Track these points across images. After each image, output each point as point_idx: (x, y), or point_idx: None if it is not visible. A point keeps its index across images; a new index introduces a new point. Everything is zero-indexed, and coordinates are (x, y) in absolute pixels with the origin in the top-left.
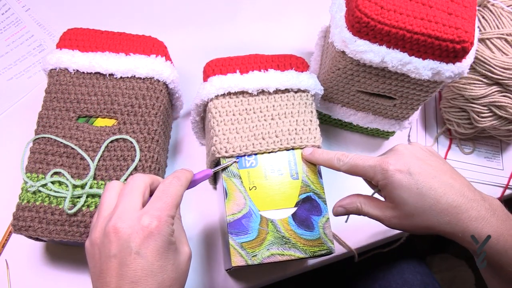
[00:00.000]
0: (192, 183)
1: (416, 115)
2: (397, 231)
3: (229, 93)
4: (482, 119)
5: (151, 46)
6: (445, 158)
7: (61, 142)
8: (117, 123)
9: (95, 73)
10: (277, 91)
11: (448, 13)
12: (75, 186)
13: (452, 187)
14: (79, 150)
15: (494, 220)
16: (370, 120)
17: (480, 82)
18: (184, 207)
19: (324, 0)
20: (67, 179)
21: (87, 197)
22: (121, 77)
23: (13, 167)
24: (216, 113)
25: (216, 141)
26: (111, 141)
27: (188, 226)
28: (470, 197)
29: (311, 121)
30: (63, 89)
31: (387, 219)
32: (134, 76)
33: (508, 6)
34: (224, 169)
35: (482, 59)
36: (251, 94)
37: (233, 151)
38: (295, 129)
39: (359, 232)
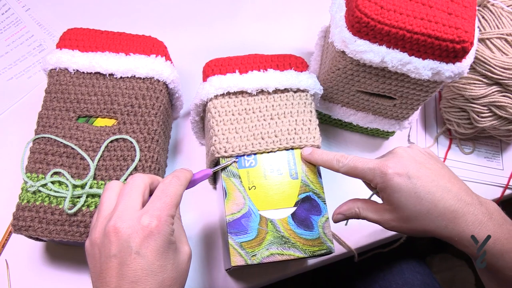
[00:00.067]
0: (192, 183)
1: (416, 115)
2: None
3: (229, 93)
4: (482, 119)
5: (151, 46)
6: (445, 158)
7: (61, 142)
8: (117, 123)
9: (95, 73)
10: (276, 91)
11: (448, 13)
12: (75, 186)
13: (450, 191)
14: (79, 150)
15: (491, 224)
16: (370, 120)
17: (480, 82)
18: (184, 207)
19: (324, 0)
20: (67, 179)
21: (87, 197)
22: (121, 77)
23: (13, 167)
24: (215, 113)
25: (215, 141)
26: (111, 141)
27: (188, 226)
28: (468, 201)
29: (310, 121)
30: (63, 89)
31: (385, 222)
32: (134, 76)
33: (508, 6)
34: (223, 169)
35: (482, 59)
36: (250, 94)
37: (233, 151)
38: (295, 129)
39: (359, 232)
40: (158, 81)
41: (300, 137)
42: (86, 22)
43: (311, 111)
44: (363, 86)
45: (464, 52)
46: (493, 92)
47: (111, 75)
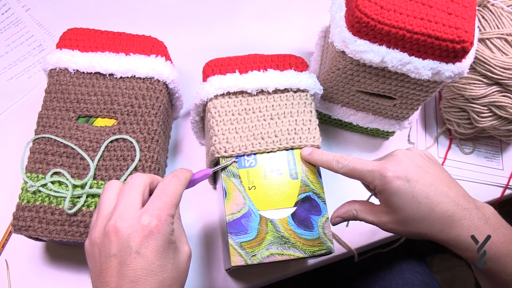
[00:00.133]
0: (191, 183)
1: (416, 115)
2: None
3: (228, 93)
4: (482, 119)
5: (151, 46)
6: (445, 158)
7: (61, 142)
8: (117, 123)
9: (95, 73)
10: (276, 91)
11: (448, 13)
12: (75, 186)
13: (447, 196)
14: (79, 150)
15: (487, 229)
16: (370, 120)
17: (480, 82)
18: (184, 206)
19: (324, 0)
20: (67, 179)
21: (87, 197)
22: (121, 77)
23: (13, 167)
24: (215, 113)
25: (215, 141)
26: (111, 141)
27: (188, 225)
28: (464, 206)
29: (310, 121)
30: (63, 89)
31: (382, 224)
32: (134, 76)
33: (508, 6)
34: (223, 168)
35: (482, 59)
36: (250, 94)
37: (233, 151)
38: (295, 129)
39: (359, 232)
40: (158, 81)
41: (300, 137)
42: (86, 22)
43: (311, 111)
44: (363, 86)
45: (464, 52)
46: (493, 92)
47: (111, 75)
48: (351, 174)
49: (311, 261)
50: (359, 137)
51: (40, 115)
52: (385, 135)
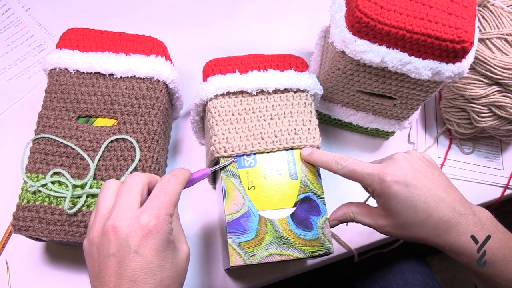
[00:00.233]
0: (190, 182)
1: (416, 115)
2: None
3: (228, 93)
4: (482, 119)
5: (151, 46)
6: (445, 158)
7: (61, 142)
8: (117, 123)
9: (95, 73)
10: (276, 91)
11: (448, 13)
12: (75, 186)
13: (445, 201)
14: (79, 150)
15: (482, 234)
16: (370, 120)
17: (480, 82)
18: (183, 206)
19: (324, 0)
20: (67, 179)
21: (87, 197)
22: (121, 77)
23: (13, 167)
24: (215, 113)
25: (215, 140)
26: (111, 141)
27: (187, 225)
28: (461, 211)
29: (310, 121)
30: (63, 89)
31: (379, 227)
32: (134, 76)
33: (508, 6)
34: (223, 168)
35: (482, 59)
36: (250, 94)
37: (232, 151)
38: (294, 129)
39: (359, 232)
40: (158, 81)
41: (300, 137)
42: (86, 22)
43: (311, 111)
44: (363, 86)
45: (464, 52)
46: (493, 92)
47: (111, 75)
48: (350, 175)
49: (310, 261)
50: (359, 137)
51: (40, 115)
52: (385, 135)
